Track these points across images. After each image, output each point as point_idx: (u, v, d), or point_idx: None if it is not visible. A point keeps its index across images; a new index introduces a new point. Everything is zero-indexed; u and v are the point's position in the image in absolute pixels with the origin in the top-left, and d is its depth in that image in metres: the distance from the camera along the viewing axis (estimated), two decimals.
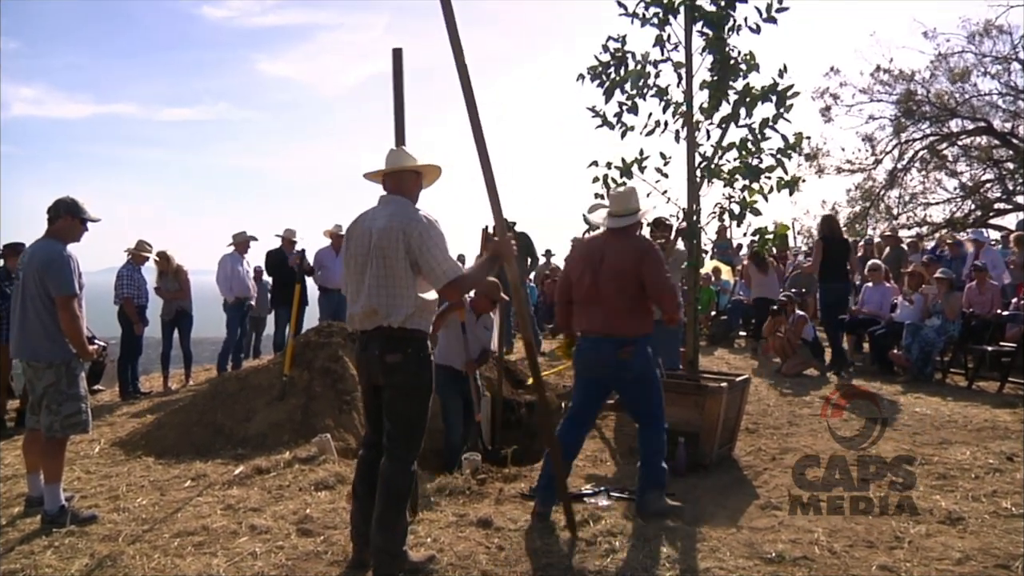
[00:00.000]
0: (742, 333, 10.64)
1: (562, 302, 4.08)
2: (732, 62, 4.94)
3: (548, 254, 13.77)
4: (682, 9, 4.96)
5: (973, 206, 19.82)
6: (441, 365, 5.54)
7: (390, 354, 3.09)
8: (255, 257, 9.45)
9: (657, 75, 5.15)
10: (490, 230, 9.35)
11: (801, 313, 8.20)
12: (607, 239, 3.87)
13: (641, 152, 5.22)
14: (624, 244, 3.79)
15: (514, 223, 9.34)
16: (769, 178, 5.01)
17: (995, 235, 15.95)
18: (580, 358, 3.92)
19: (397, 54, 3.65)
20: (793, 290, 10.13)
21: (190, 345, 8.76)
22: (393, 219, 3.07)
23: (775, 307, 8.61)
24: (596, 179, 5.25)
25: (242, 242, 8.91)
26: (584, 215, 4.38)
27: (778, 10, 4.78)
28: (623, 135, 5.24)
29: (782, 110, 4.89)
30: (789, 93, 4.86)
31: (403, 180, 3.23)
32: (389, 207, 3.16)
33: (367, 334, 3.16)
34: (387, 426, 3.17)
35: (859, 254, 11.78)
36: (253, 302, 9.19)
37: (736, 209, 5.12)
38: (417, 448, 3.22)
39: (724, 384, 4.90)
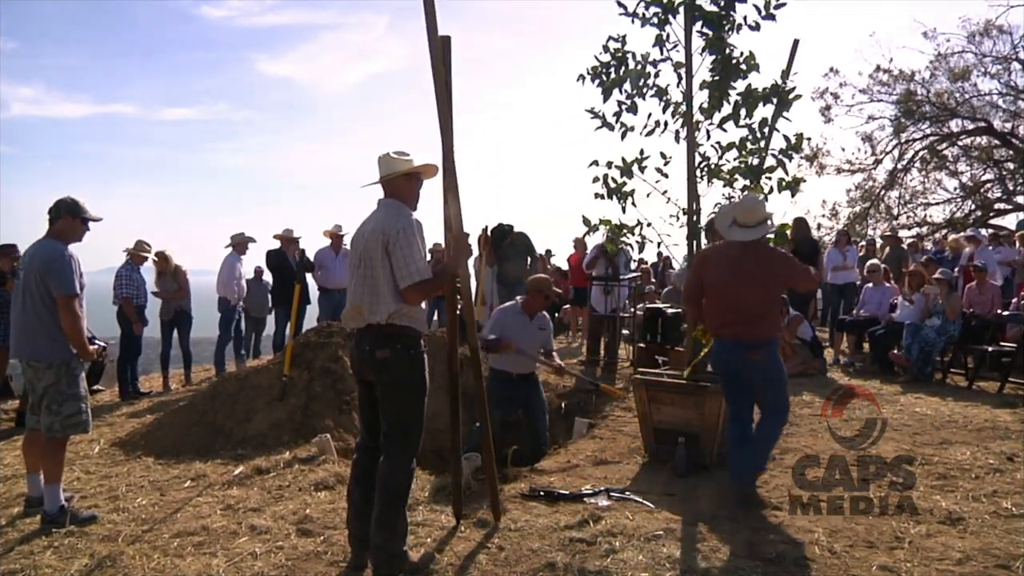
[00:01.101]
0: None
1: (695, 300, 4.33)
2: (732, 62, 4.94)
3: (549, 254, 13.74)
4: (682, 9, 4.95)
5: (973, 206, 19.82)
6: (495, 369, 5.50)
7: (380, 350, 3.14)
8: (255, 257, 9.47)
9: (657, 75, 5.15)
10: (489, 232, 9.37)
11: (796, 313, 8.19)
12: (745, 248, 4.04)
13: (641, 152, 5.22)
14: (763, 255, 4.05)
15: (511, 226, 9.34)
16: (770, 178, 5.02)
17: None
18: (717, 359, 4.26)
19: (447, 43, 3.49)
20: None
21: (190, 345, 8.77)
22: (379, 222, 3.19)
23: None
24: (596, 179, 5.24)
25: (240, 243, 8.92)
26: (713, 221, 4.50)
27: (776, 6, 4.78)
28: (623, 135, 5.24)
29: (783, 111, 4.89)
30: (791, 96, 4.86)
31: (396, 184, 3.31)
32: (381, 211, 3.28)
33: (360, 332, 3.24)
34: (383, 425, 3.20)
35: (860, 254, 11.81)
36: (242, 303, 9.21)
37: None
38: (415, 447, 3.24)
39: None
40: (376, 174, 3.32)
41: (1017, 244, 9.68)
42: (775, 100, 4.89)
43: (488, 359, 5.54)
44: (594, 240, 8.66)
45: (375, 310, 3.13)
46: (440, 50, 3.41)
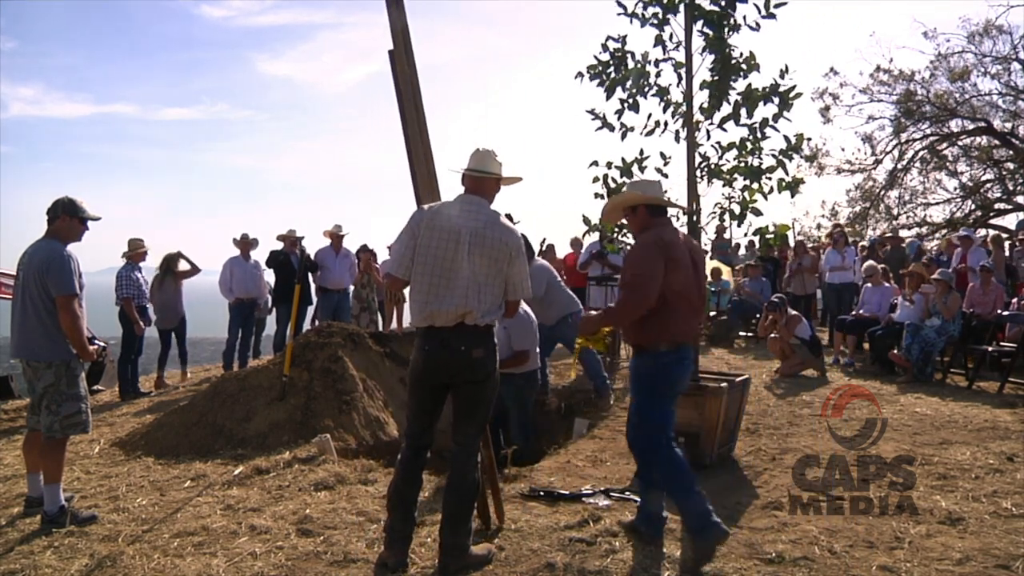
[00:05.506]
0: (742, 333, 10.64)
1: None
2: (732, 62, 4.95)
3: (552, 248, 13.49)
4: (682, 8, 4.96)
5: (973, 206, 19.82)
6: None
7: (476, 349, 3.20)
8: (258, 258, 9.52)
9: (658, 75, 5.16)
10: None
11: (794, 312, 8.18)
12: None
13: (641, 152, 5.23)
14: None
15: (518, 221, 9.32)
16: (770, 179, 5.02)
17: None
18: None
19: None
20: (788, 290, 10.20)
21: (186, 345, 8.83)
22: (491, 228, 3.20)
23: (766, 304, 8.65)
24: (596, 179, 5.25)
25: (243, 244, 8.95)
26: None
27: (776, 5, 4.78)
28: (623, 136, 5.24)
29: (783, 110, 4.90)
30: (791, 95, 4.87)
31: (487, 185, 3.32)
32: (481, 211, 3.24)
33: (447, 330, 3.19)
34: (464, 422, 3.27)
35: (861, 255, 11.81)
36: (260, 302, 9.24)
37: (736, 209, 5.12)
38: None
39: (724, 384, 4.90)
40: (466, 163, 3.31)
41: (991, 247, 9.73)
42: (776, 100, 4.89)
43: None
44: (591, 239, 8.69)
45: (484, 314, 3.17)
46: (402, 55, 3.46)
